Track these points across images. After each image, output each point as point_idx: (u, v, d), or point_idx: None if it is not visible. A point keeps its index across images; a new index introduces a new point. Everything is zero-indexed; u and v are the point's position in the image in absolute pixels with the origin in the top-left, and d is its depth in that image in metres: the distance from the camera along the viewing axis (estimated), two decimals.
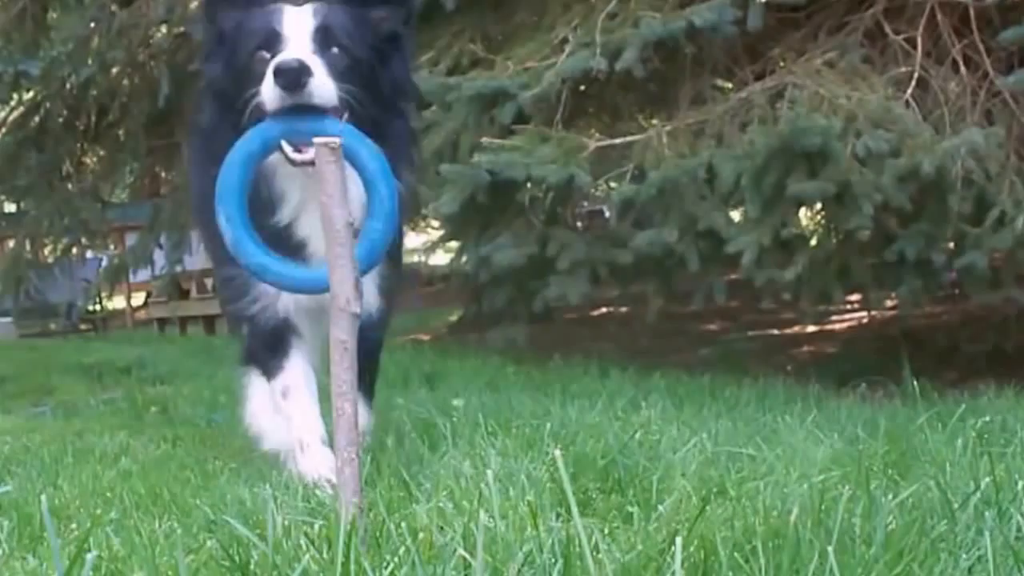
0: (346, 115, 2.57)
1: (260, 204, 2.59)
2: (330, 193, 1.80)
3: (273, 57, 2.53)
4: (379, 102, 2.67)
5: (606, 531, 1.96)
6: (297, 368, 2.76)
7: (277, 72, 2.46)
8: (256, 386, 2.89)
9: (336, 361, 1.82)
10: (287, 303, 2.73)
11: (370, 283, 2.68)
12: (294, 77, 2.46)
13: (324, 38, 2.62)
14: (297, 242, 2.66)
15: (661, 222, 5.53)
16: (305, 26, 2.63)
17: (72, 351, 9.92)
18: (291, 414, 2.72)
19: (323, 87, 2.51)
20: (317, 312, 2.65)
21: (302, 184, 2.61)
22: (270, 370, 2.80)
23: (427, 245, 6.97)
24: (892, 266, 5.48)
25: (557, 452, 1.44)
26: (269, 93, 2.49)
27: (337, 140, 1.83)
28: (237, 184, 2.46)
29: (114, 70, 9.19)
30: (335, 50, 2.62)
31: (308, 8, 2.70)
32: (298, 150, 2.49)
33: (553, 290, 5.89)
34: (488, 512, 1.81)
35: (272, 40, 2.61)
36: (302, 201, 2.65)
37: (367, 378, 2.85)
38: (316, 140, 1.86)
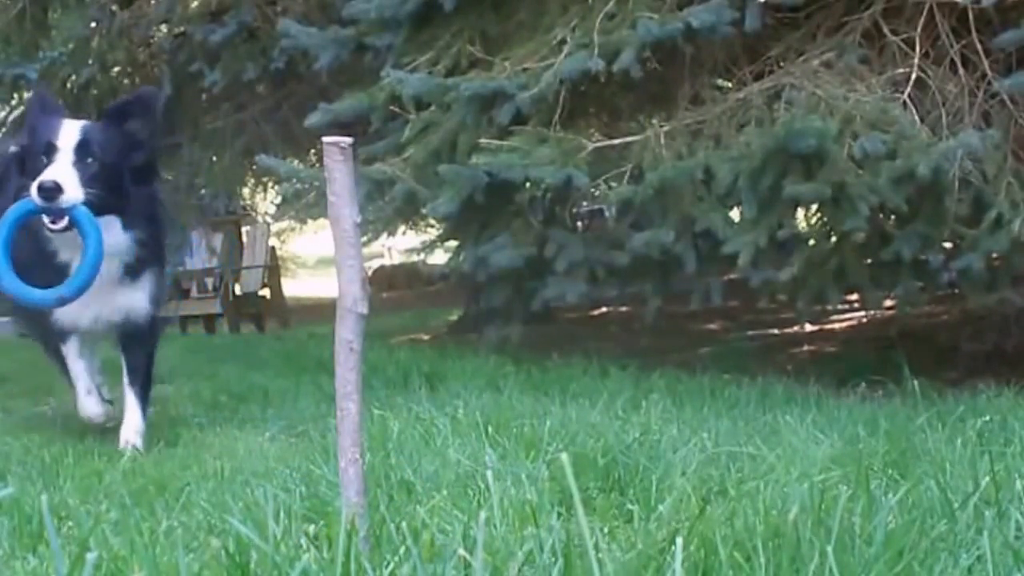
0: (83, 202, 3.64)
1: (46, 252, 3.82)
2: (338, 192, 1.79)
3: (48, 161, 3.71)
4: (123, 190, 3.84)
5: (606, 531, 1.97)
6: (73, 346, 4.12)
7: (39, 188, 3.59)
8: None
9: (341, 362, 1.78)
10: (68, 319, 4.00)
11: (142, 295, 4.06)
12: (50, 194, 3.59)
13: (82, 152, 3.75)
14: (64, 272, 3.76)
15: (658, 223, 5.53)
16: (71, 140, 3.76)
17: None
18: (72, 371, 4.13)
19: (71, 196, 3.62)
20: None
21: (67, 239, 3.74)
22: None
23: (425, 245, 6.97)
24: (889, 267, 5.48)
25: (564, 456, 1.44)
26: (35, 196, 3.60)
27: (348, 140, 1.82)
28: (3, 240, 3.51)
29: (115, 70, 9.20)
30: (89, 160, 3.75)
31: (77, 125, 3.84)
32: (53, 222, 3.66)
33: (551, 290, 5.89)
34: (488, 512, 1.82)
35: (49, 149, 3.75)
36: (71, 251, 3.76)
37: (141, 379, 4.13)
38: (325, 140, 1.86)
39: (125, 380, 4.13)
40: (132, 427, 3.99)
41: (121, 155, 3.87)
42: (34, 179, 3.68)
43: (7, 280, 3.54)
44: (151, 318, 4.15)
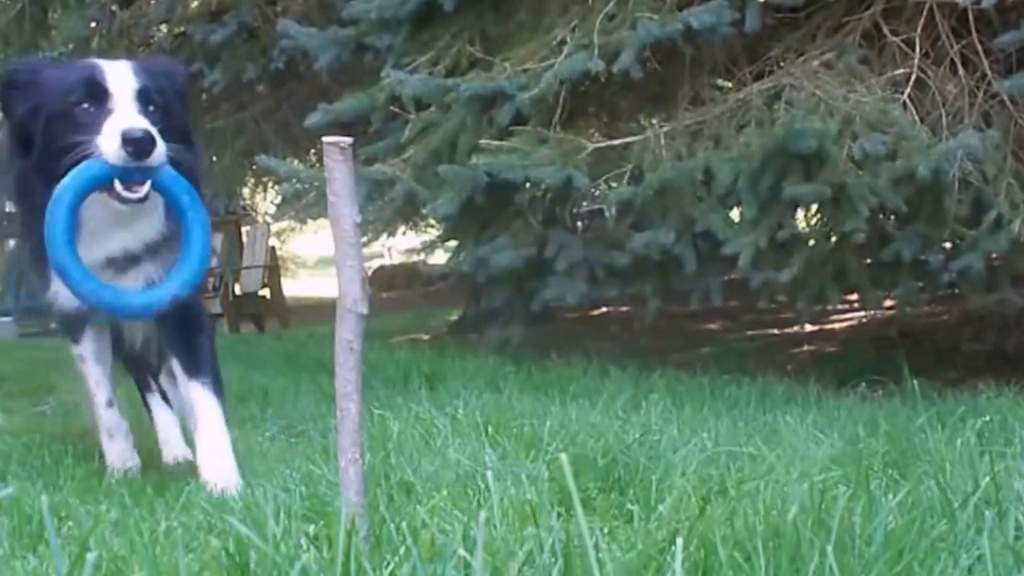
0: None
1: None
2: (338, 192, 1.78)
3: (99, 110, 2.78)
4: (177, 142, 2.87)
5: (606, 531, 1.97)
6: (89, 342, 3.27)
7: (128, 140, 2.69)
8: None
9: (341, 362, 1.78)
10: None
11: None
12: (144, 147, 2.70)
13: (144, 98, 2.85)
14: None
15: (658, 224, 5.53)
16: (129, 85, 2.85)
17: None
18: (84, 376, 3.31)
19: (161, 153, 2.73)
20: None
21: (94, 214, 2.83)
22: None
23: (425, 245, 6.98)
24: (889, 267, 5.48)
25: (564, 456, 1.44)
26: (114, 153, 2.69)
27: (348, 140, 1.82)
28: (66, 219, 2.69)
29: None
30: (151, 108, 2.85)
31: (126, 67, 2.92)
32: (130, 188, 2.74)
33: (551, 291, 5.89)
34: (488, 512, 1.82)
35: (97, 94, 2.82)
36: (92, 230, 2.87)
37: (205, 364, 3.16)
38: (325, 140, 1.86)
39: (182, 375, 3.11)
40: (214, 450, 2.99)
41: (176, 102, 2.99)
42: (70, 142, 2.73)
43: (81, 282, 2.73)
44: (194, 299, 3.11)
